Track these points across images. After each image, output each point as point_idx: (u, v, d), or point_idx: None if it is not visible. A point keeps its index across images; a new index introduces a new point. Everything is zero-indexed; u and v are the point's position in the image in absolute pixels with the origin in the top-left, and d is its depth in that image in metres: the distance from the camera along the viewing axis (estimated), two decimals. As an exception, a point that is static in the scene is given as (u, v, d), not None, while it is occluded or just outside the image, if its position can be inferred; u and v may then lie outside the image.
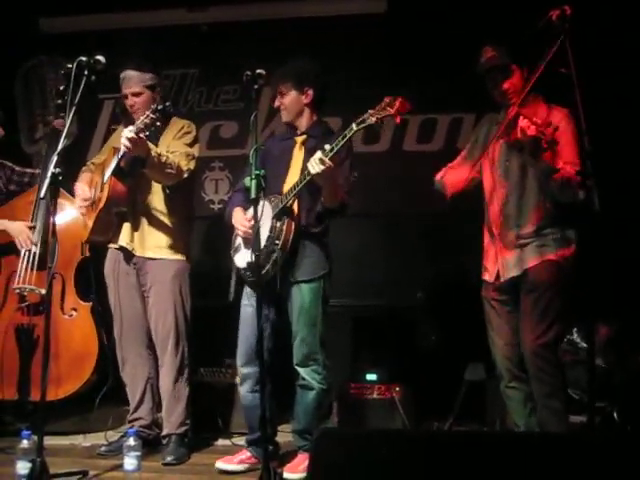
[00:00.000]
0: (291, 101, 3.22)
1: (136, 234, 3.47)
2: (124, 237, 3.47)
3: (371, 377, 3.77)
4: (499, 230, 3.06)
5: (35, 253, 3.75)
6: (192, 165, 3.48)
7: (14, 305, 3.74)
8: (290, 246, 3.06)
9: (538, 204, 2.97)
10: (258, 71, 2.89)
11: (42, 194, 2.86)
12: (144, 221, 3.47)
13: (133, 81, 3.48)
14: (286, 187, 3.12)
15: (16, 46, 4.80)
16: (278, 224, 3.04)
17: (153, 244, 3.47)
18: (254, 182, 2.68)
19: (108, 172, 3.36)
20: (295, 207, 3.10)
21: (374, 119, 2.77)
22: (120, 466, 3.10)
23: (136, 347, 3.55)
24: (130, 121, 3.43)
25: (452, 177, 3.22)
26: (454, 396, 3.76)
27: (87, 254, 3.77)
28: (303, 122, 3.25)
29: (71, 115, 2.96)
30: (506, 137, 2.97)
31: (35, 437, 2.96)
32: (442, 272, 4.40)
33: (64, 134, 2.92)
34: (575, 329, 3.69)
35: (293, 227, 3.07)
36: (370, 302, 4.36)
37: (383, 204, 4.51)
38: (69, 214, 3.80)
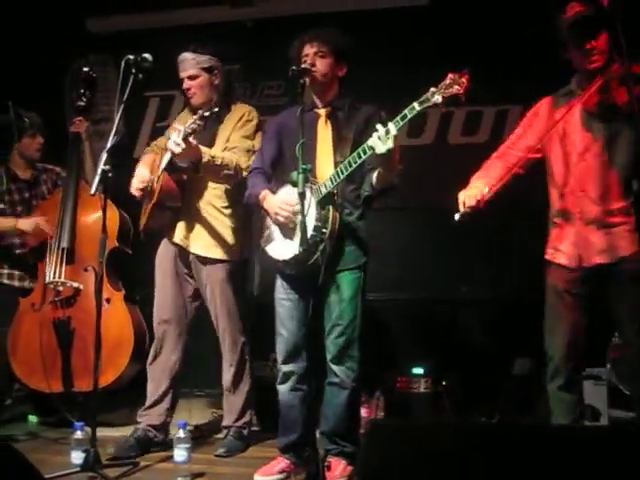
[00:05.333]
0: (327, 66, 2.95)
1: (190, 231, 3.39)
2: (179, 234, 3.40)
3: (417, 371, 3.74)
4: (579, 207, 2.71)
5: (64, 248, 3.83)
6: (252, 161, 3.31)
7: (50, 300, 3.81)
8: (337, 234, 2.87)
9: (626, 178, 2.67)
10: (303, 66, 2.85)
11: (93, 191, 2.92)
12: (199, 218, 3.38)
13: (188, 63, 3.36)
14: (320, 165, 2.88)
15: (64, 47, 4.89)
16: (323, 212, 2.83)
17: (208, 242, 3.38)
18: (301, 176, 2.54)
19: (161, 166, 3.30)
20: (335, 191, 2.89)
21: (439, 98, 2.55)
22: (170, 457, 3.15)
23: (174, 343, 3.47)
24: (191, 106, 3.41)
25: (481, 183, 2.80)
26: (500, 391, 3.73)
27: (116, 244, 3.79)
28: (330, 94, 3.03)
29: (120, 113, 3.01)
30: (594, 103, 2.65)
31: (88, 428, 3.04)
32: (487, 265, 4.35)
33: (113, 131, 2.98)
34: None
35: (338, 214, 2.88)
36: (416, 295, 4.33)
37: (427, 197, 4.47)
38: (97, 206, 3.73)
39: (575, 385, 2.80)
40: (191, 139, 3.07)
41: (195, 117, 3.06)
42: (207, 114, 3.08)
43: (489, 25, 4.34)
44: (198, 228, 3.39)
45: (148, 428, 3.40)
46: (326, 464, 2.86)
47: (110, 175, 2.91)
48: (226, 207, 3.40)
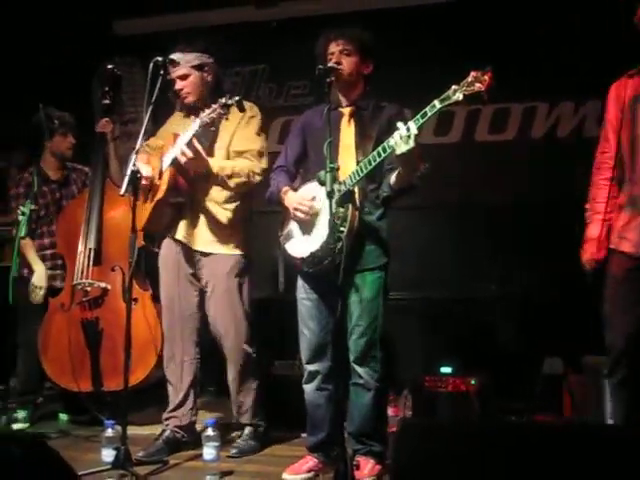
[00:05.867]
0: (352, 64, 2.93)
1: (193, 227, 3.34)
2: (181, 230, 3.36)
3: (446, 370, 3.71)
4: None
5: (91, 249, 3.86)
6: (265, 162, 3.31)
7: (78, 301, 3.85)
8: (355, 233, 2.83)
9: None
10: (330, 65, 2.83)
11: (122, 191, 2.94)
12: (202, 214, 3.34)
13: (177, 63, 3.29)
14: (343, 164, 2.79)
15: (92, 50, 4.94)
16: (342, 210, 2.79)
17: (211, 238, 3.33)
18: (329, 175, 2.53)
19: (167, 161, 3.23)
20: (355, 190, 2.86)
21: (460, 96, 2.52)
22: (199, 456, 3.17)
23: (185, 343, 3.42)
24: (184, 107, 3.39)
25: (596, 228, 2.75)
26: (530, 390, 3.70)
27: (142, 243, 3.69)
28: (355, 92, 3.00)
29: (148, 114, 3.03)
30: None
31: (118, 427, 3.07)
32: (515, 264, 4.32)
33: (142, 132, 3.00)
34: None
35: (357, 213, 2.84)
36: (444, 294, 4.30)
37: (454, 196, 4.45)
38: (124, 206, 3.80)
39: (635, 381, 2.66)
40: (196, 144, 3.07)
41: (198, 119, 3.05)
42: (230, 102, 3.00)
43: (515, 21, 4.31)
44: (201, 224, 3.35)
45: (175, 429, 3.40)
46: (355, 463, 2.85)
47: (139, 175, 2.94)
48: (228, 203, 3.34)
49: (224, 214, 3.34)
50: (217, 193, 3.32)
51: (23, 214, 3.59)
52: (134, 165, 2.95)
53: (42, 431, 3.75)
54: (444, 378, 3.66)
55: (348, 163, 2.89)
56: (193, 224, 3.35)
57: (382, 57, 3.05)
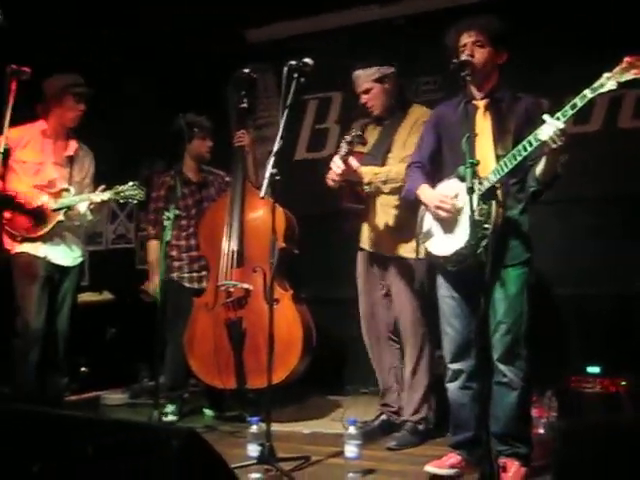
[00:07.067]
0: (486, 56, 2.86)
1: (374, 234, 3.57)
2: (365, 239, 3.61)
3: (593, 370, 3.56)
4: None
5: (234, 251, 4.00)
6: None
7: (222, 302, 3.99)
8: (499, 229, 2.76)
9: None
10: (464, 58, 2.78)
11: (262, 194, 3.02)
12: (380, 220, 3.54)
13: (360, 79, 3.57)
14: (480, 159, 2.67)
15: (225, 58, 5.12)
16: (485, 206, 2.73)
17: (391, 242, 3.52)
18: (469, 170, 2.50)
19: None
20: (498, 186, 2.78)
21: (614, 84, 2.41)
22: (341, 453, 3.20)
23: (377, 336, 3.67)
24: (364, 114, 3.63)
25: None
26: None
27: (283, 245, 3.87)
28: (489, 84, 2.92)
29: (285, 117, 3.09)
30: None
31: (262, 424, 3.15)
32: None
33: (279, 135, 3.07)
34: None
35: (501, 209, 2.78)
36: (590, 291, 4.14)
37: (598, 187, 4.24)
38: (263, 210, 4.02)
39: None
40: (350, 160, 3.32)
41: (343, 142, 3.36)
42: (350, 139, 3.34)
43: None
44: (380, 229, 3.55)
45: (390, 414, 3.64)
46: (501, 465, 2.78)
47: (277, 178, 3.01)
48: (404, 208, 3.44)
49: (401, 217, 3.47)
50: (392, 198, 3.48)
51: (168, 219, 3.75)
52: (273, 168, 3.03)
53: (190, 425, 3.92)
54: (591, 378, 3.52)
55: (486, 157, 2.82)
56: (373, 230, 3.58)
57: (513, 47, 2.94)
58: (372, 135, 3.64)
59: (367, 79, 3.54)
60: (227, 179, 4.35)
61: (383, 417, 3.68)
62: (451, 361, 3.01)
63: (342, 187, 3.52)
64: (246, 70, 3.97)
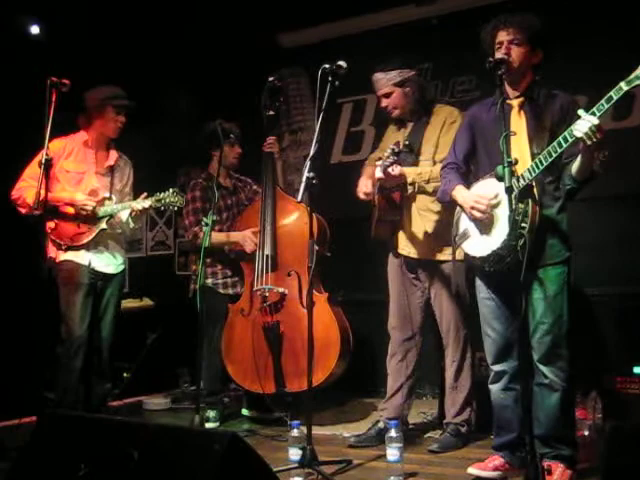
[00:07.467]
0: (522, 55, 2.81)
1: (411, 239, 3.55)
2: (401, 245, 3.59)
3: (639, 370, 3.49)
4: None
5: (268, 255, 4.03)
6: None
7: (258, 306, 4.02)
8: (536, 228, 2.71)
9: None
10: (499, 57, 2.74)
11: (299, 199, 3.03)
12: (418, 225, 3.52)
13: (380, 83, 3.55)
14: (516, 158, 2.62)
15: (259, 62, 5.14)
16: (521, 205, 2.68)
17: (429, 247, 3.51)
18: (507, 170, 2.46)
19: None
20: (533, 184, 2.73)
21: None
22: (382, 456, 3.19)
23: (399, 347, 3.63)
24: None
25: None
26: None
27: (317, 248, 3.87)
28: (524, 83, 2.88)
29: (320, 120, 3.10)
30: None
31: (303, 427, 3.16)
32: None
33: (315, 139, 3.08)
34: None
35: (538, 207, 2.72)
36: (633, 290, 4.03)
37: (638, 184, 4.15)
38: (294, 214, 4.06)
39: None
40: (390, 170, 3.29)
41: (386, 152, 3.30)
42: (397, 150, 3.27)
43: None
44: (418, 235, 3.53)
45: (386, 421, 3.54)
46: (546, 468, 2.74)
47: (314, 182, 3.01)
48: (439, 212, 3.47)
49: (439, 220, 3.47)
50: (430, 202, 3.47)
51: (206, 225, 3.78)
52: (309, 172, 3.04)
53: (231, 429, 3.95)
54: (637, 379, 3.45)
55: (522, 156, 2.78)
56: (411, 236, 3.55)
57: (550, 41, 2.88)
58: (395, 138, 3.61)
59: (387, 83, 3.52)
60: (254, 187, 4.40)
61: (380, 425, 3.62)
62: (493, 362, 2.99)
63: (377, 199, 3.52)
64: (271, 79, 4.00)
